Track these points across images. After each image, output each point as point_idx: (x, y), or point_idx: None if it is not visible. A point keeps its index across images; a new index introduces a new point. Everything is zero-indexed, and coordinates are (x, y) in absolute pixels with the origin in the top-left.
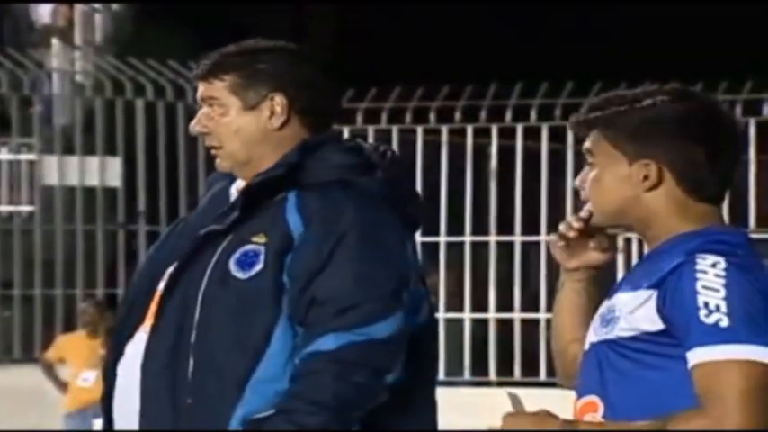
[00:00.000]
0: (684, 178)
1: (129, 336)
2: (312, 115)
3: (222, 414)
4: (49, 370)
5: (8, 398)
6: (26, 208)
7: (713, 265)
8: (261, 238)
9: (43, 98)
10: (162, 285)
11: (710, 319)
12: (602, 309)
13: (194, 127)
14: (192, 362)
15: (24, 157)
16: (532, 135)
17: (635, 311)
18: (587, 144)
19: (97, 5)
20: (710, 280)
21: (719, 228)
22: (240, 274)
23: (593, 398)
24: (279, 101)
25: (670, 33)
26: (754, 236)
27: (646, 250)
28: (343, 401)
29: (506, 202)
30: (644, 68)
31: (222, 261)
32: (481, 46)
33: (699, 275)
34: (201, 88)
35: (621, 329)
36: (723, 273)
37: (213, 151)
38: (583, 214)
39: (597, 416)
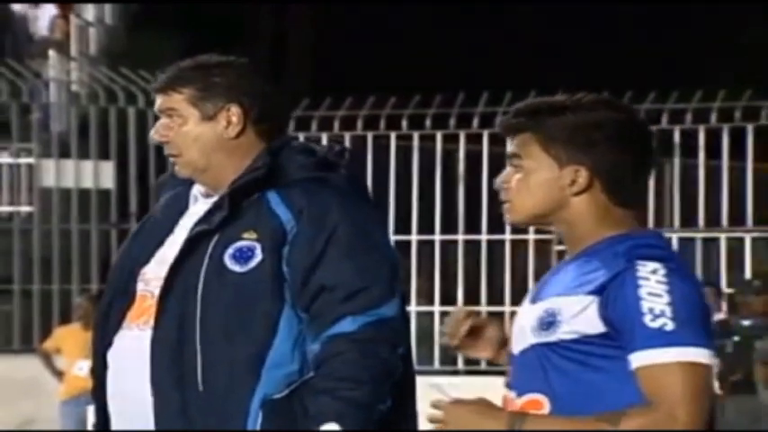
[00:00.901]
0: (611, 185)
1: (115, 329)
2: (266, 123)
3: (238, 399)
4: (47, 359)
5: (7, 386)
6: (25, 208)
7: (654, 272)
8: (251, 234)
9: (41, 106)
10: (151, 283)
11: (656, 324)
12: (539, 312)
13: (153, 136)
14: (199, 353)
15: (23, 160)
16: (498, 141)
17: (577, 316)
18: (513, 147)
19: (91, 19)
20: (653, 286)
21: (642, 231)
22: (237, 268)
23: (538, 396)
24: (234, 111)
25: (670, 42)
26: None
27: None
28: (375, 375)
29: (473, 203)
30: (640, 77)
31: (216, 257)
32: (450, 57)
33: (641, 282)
34: (160, 100)
35: (564, 333)
36: (664, 279)
37: (173, 159)
38: (459, 317)
39: (544, 412)
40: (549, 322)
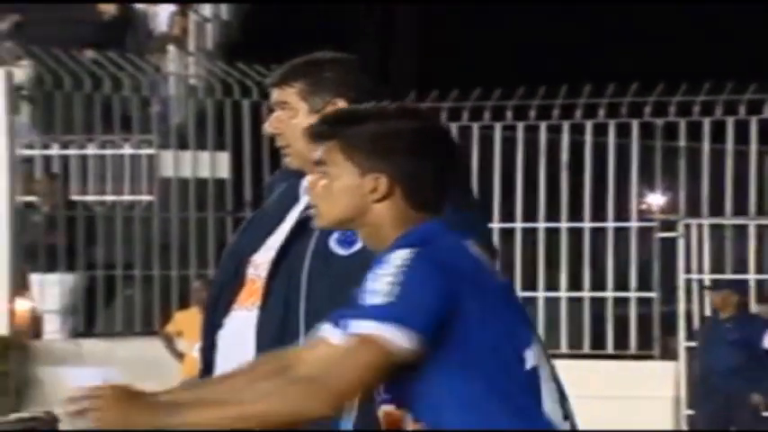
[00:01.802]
0: (411, 192)
1: (225, 311)
2: None
3: None
4: (169, 342)
5: (131, 367)
6: (145, 198)
7: (398, 257)
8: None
9: (160, 99)
10: (260, 268)
11: (365, 299)
12: None
13: (267, 128)
14: (302, 333)
15: (144, 151)
16: (601, 131)
17: None
18: (320, 153)
19: (208, 15)
20: (386, 269)
21: (421, 224)
22: (341, 252)
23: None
24: (341, 105)
25: (679, 36)
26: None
27: None
28: None
29: (576, 191)
30: (653, 70)
31: (322, 241)
32: (553, 49)
33: (380, 268)
34: (274, 93)
35: None
36: (401, 262)
37: (283, 150)
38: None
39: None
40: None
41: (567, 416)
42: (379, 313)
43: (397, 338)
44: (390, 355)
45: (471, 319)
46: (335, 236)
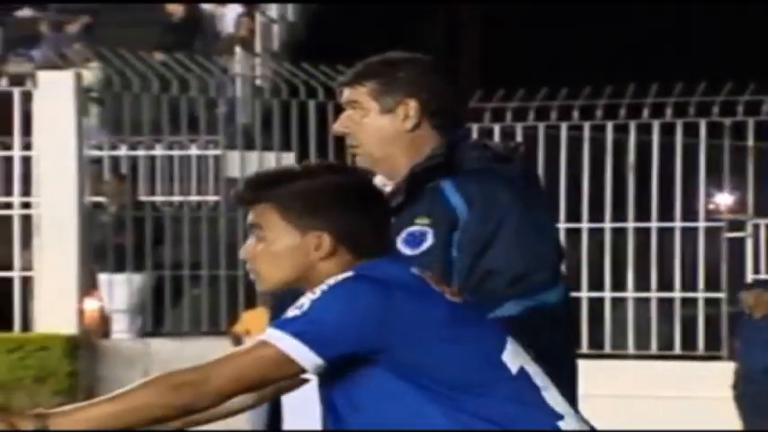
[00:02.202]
0: (353, 245)
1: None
2: (441, 118)
3: None
4: (238, 342)
5: None
6: (212, 198)
7: (330, 281)
8: (424, 220)
9: (227, 100)
10: None
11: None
12: None
13: (337, 128)
14: None
15: (211, 152)
16: (668, 131)
17: None
18: (252, 218)
19: (274, 16)
20: (320, 288)
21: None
22: (409, 251)
23: None
24: (412, 105)
25: (681, 38)
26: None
27: None
28: (534, 357)
29: (643, 191)
30: (720, 70)
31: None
32: (622, 49)
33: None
34: (346, 93)
35: None
36: (334, 281)
37: (352, 149)
38: None
39: None
40: None
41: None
42: (283, 323)
43: (290, 348)
44: (280, 361)
45: (413, 332)
46: (403, 235)
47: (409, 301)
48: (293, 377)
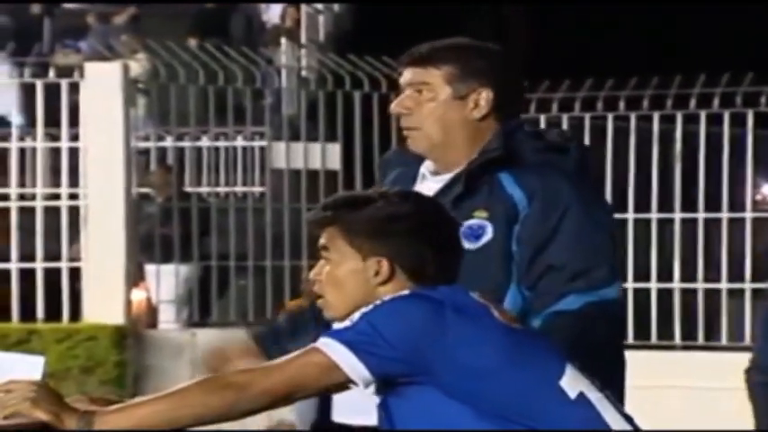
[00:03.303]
0: (414, 273)
1: None
2: (507, 110)
3: None
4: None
5: None
6: (258, 189)
7: (391, 296)
8: (483, 213)
9: (273, 91)
10: None
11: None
12: None
13: (395, 108)
14: None
15: (257, 143)
16: (715, 121)
17: None
18: (322, 239)
19: (320, 7)
20: (374, 303)
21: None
22: (468, 245)
23: None
24: (485, 95)
25: (675, 28)
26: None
27: None
28: (590, 352)
29: (690, 182)
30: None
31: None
32: (667, 39)
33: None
34: (411, 73)
35: None
36: (388, 297)
37: (407, 132)
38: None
39: None
40: None
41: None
42: (333, 333)
43: (338, 355)
44: (328, 368)
45: (465, 354)
46: (462, 228)
47: (463, 322)
48: (340, 387)
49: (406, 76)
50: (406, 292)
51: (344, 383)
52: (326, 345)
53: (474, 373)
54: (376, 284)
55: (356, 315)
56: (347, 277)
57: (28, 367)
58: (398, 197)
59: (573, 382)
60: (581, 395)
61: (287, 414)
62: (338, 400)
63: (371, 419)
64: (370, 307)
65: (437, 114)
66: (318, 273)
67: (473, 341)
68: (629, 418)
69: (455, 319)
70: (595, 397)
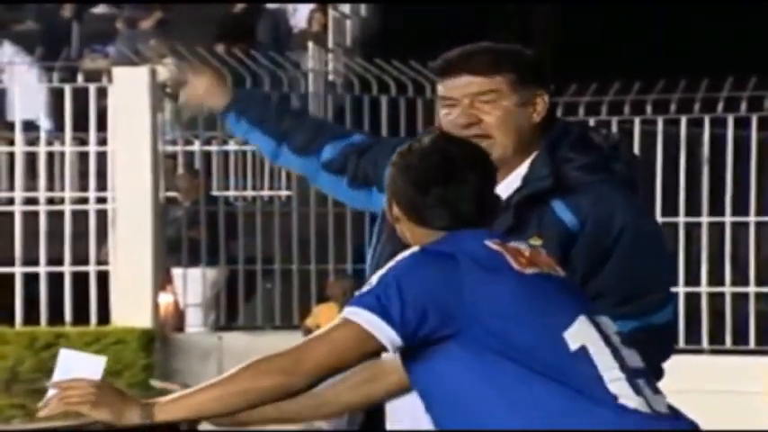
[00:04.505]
0: (410, 215)
1: None
2: (554, 112)
3: None
4: (310, 335)
5: None
6: (284, 192)
7: (402, 256)
8: (536, 241)
9: (300, 96)
10: None
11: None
12: None
13: (459, 120)
14: None
15: None
16: (742, 125)
17: None
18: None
19: (347, 11)
20: (388, 265)
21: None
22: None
23: None
24: (544, 99)
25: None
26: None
27: None
28: None
29: (717, 186)
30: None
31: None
32: (694, 42)
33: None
34: (473, 82)
35: None
36: (401, 256)
37: (480, 140)
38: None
39: None
40: None
41: (639, 391)
42: (355, 300)
43: (367, 322)
44: (360, 335)
45: (482, 305)
46: None
47: (476, 273)
48: (374, 354)
49: (466, 85)
50: (416, 248)
51: (377, 351)
52: (355, 314)
53: (486, 324)
54: (393, 221)
55: (374, 278)
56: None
57: (89, 366)
58: (420, 141)
59: (578, 335)
60: (582, 348)
61: (323, 424)
62: (391, 408)
63: (425, 425)
64: (384, 269)
65: (508, 123)
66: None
67: (488, 291)
68: (641, 380)
69: (469, 270)
70: (597, 351)
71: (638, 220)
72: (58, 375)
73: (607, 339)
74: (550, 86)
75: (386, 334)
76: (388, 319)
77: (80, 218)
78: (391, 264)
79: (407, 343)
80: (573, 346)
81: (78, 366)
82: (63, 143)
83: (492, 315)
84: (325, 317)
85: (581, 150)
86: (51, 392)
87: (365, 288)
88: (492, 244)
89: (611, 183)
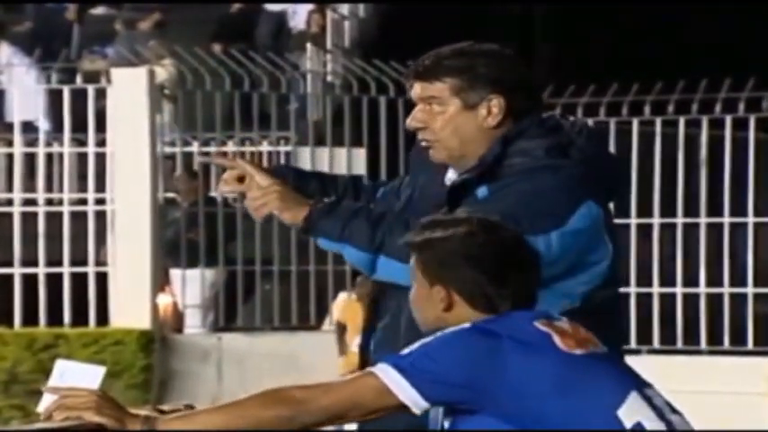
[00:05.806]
0: (474, 301)
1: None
2: (523, 114)
3: None
4: (342, 332)
5: (268, 361)
6: None
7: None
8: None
9: (298, 96)
10: None
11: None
12: None
13: (411, 123)
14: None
15: (282, 148)
16: (741, 126)
17: None
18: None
19: (346, 12)
20: (435, 335)
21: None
22: None
23: None
24: (497, 102)
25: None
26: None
27: None
28: None
29: (715, 187)
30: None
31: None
32: (693, 44)
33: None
34: (419, 87)
35: None
36: (449, 330)
37: (428, 143)
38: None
39: None
40: None
41: None
42: (391, 358)
43: (392, 381)
44: (381, 392)
45: (526, 385)
46: None
47: (517, 353)
48: (395, 411)
49: (416, 89)
50: (466, 324)
51: (398, 407)
52: (382, 370)
53: (527, 403)
54: (441, 310)
55: (416, 344)
56: (422, 302)
57: (87, 376)
58: (469, 226)
59: (632, 412)
60: (638, 425)
61: None
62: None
63: None
64: (430, 338)
65: (451, 127)
66: (412, 296)
67: (527, 372)
68: None
69: (514, 352)
70: (652, 426)
71: (529, 178)
72: (54, 385)
73: (660, 414)
74: (511, 89)
75: (408, 395)
76: (414, 381)
77: (79, 219)
78: (437, 333)
79: (437, 405)
80: (628, 424)
81: (76, 376)
82: (62, 144)
83: (528, 395)
84: (349, 314)
85: (542, 136)
86: (48, 398)
87: (406, 350)
88: (540, 325)
89: (555, 170)
